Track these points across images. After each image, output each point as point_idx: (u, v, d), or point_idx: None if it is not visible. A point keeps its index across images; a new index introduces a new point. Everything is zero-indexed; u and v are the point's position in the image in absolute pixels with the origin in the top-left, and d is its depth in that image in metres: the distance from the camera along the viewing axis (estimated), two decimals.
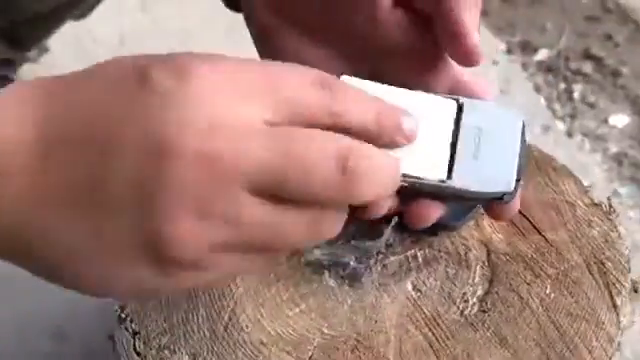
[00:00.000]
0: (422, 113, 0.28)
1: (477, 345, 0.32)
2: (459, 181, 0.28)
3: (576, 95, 0.94)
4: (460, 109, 0.29)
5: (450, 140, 0.29)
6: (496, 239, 0.37)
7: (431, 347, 0.32)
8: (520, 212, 0.39)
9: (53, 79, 0.23)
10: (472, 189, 0.28)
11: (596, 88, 0.95)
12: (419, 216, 0.29)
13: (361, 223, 0.37)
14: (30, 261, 0.22)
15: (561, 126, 0.91)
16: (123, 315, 0.34)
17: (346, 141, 0.22)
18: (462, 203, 0.32)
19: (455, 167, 0.28)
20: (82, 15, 0.77)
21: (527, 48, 1.03)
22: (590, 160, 0.87)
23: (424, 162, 0.28)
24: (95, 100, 0.21)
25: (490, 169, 0.29)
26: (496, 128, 0.29)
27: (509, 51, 1.03)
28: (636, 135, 0.89)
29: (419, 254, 0.37)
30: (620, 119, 0.91)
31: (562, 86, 0.96)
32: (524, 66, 1.01)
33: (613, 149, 0.87)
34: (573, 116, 0.92)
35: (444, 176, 0.28)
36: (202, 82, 0.21)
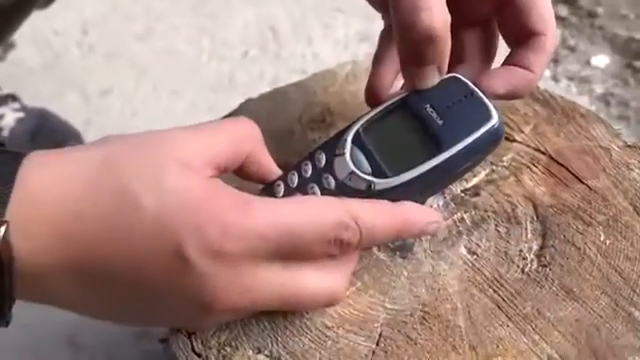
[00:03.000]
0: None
1: (545, 300, 0.32)
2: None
3: None
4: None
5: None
6: (539, 192, 0.37)
7: (499, 308, 0.32)
8: (557, 162, 0.38)
9: (82, 224, 0.24)
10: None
11: (574, 31, 0.96)
12: None
13: None
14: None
15: (546, 72, 0.91)
16: None
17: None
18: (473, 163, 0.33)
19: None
20: (46, 3, 0.73)
21: None
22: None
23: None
24: (136, 266, 0.25)
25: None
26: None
27: None
28: (619, 74, 0.90)
29: (465, 217, 0.36)
30: (601, 59, 0.91)
31: None
32: None
33: (599, 90, 0.88)
34: (556, 61, 0.92)
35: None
36: (231, 259, 0.25)
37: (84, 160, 0.25)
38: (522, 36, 0.32)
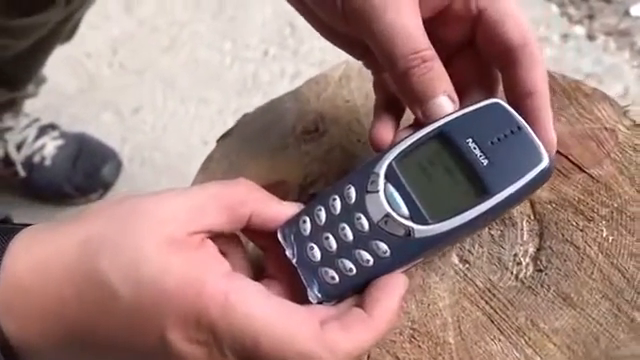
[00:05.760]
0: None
1: (540, 309, 0.30)
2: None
3: None
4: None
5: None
6: None
7: (491, 321, 0.30)
8: (557, 151, 0.36)
9: (65, 309, 0.26)
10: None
11: None
12: None
13: None
14: None
15: (580, 30, 0.85)
16: None
17: None
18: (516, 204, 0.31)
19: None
20: (68, 38, 0.75)
21: None
22: (618, 60, 0.81)
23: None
24: (120, 343, 0.26)
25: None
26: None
27: None
28: None
29: None
30: None
31: None
32: None
33: None
34: (591, 17, 0.86)
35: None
36: (207, 345, 0.26)
37: (66, 244, 0.26)
38: (504, 53, 0.30)
